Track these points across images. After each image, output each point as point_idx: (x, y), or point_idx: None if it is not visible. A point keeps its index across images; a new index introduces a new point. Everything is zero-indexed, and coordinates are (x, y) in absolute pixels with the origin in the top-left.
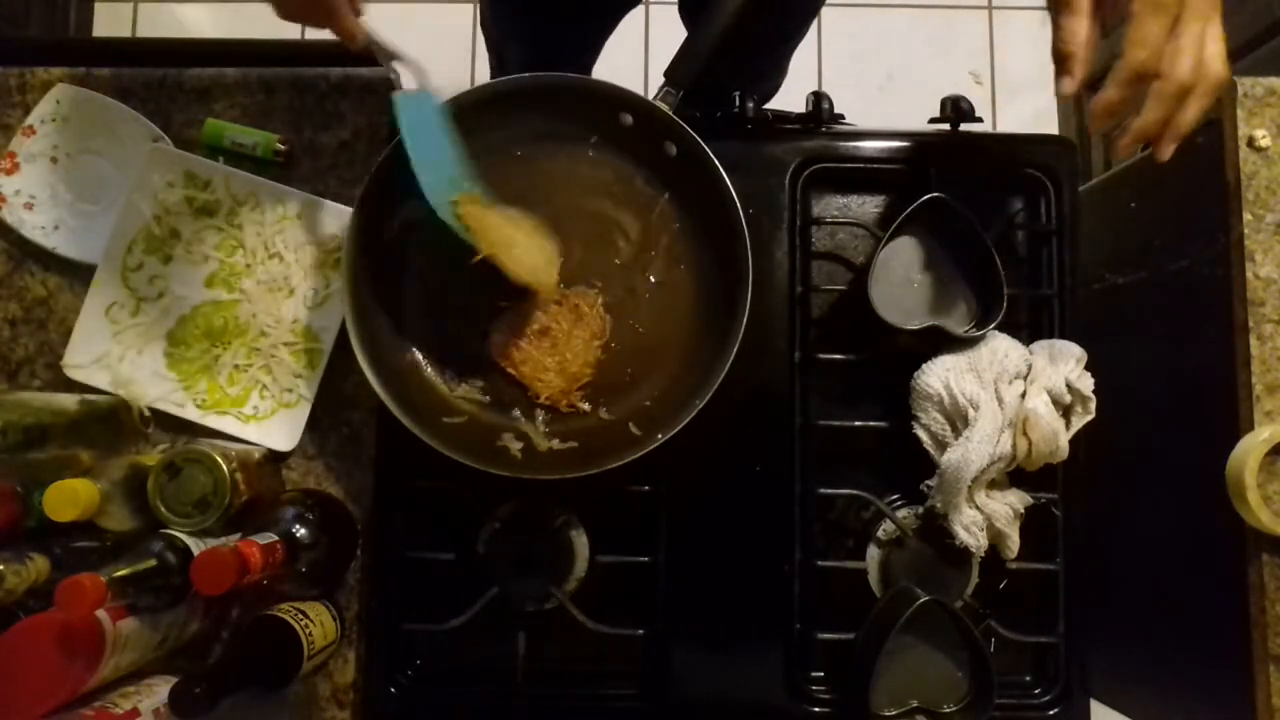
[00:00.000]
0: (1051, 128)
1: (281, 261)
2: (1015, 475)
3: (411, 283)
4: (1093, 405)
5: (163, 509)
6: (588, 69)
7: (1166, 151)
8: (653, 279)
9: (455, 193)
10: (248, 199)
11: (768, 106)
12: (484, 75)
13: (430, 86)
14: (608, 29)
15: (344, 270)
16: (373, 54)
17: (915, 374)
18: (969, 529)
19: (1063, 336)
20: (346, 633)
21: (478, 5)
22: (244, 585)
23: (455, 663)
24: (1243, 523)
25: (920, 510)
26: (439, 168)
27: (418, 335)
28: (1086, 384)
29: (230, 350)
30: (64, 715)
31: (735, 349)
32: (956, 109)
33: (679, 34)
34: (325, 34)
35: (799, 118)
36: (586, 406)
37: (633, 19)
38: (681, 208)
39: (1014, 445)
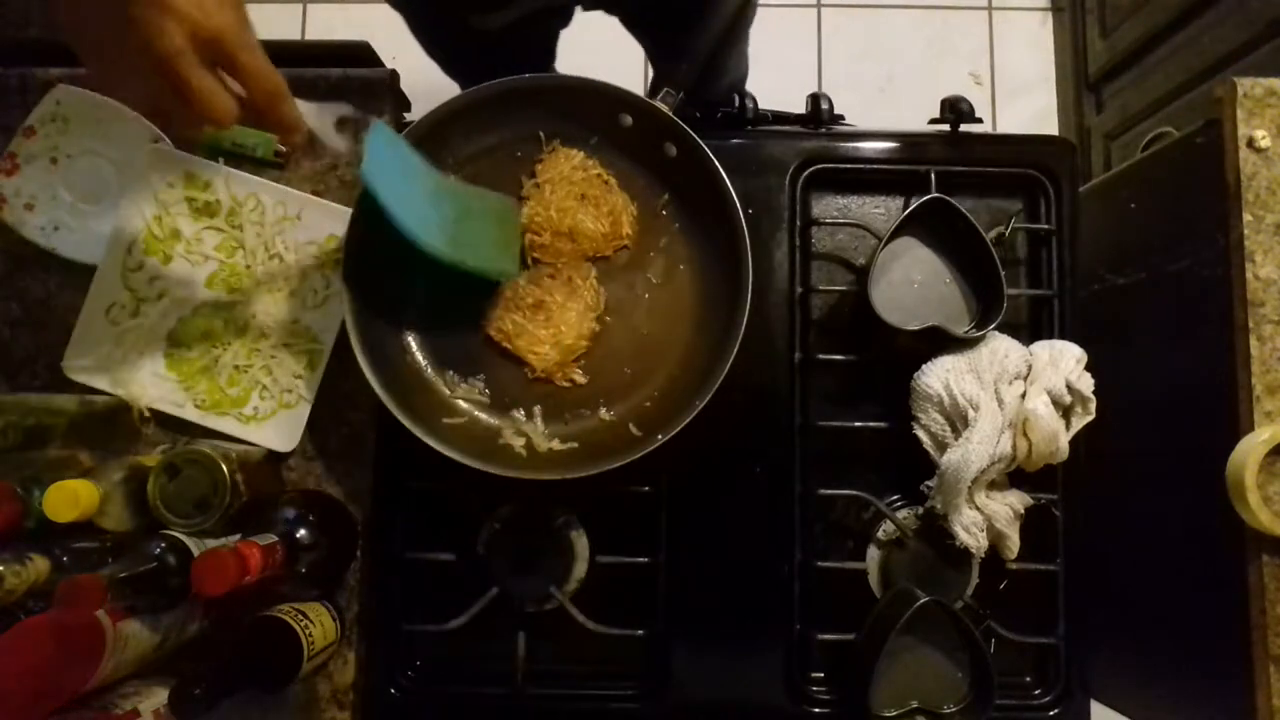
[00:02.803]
0: (1051, 128)
1: (281, 262)
2: (1015, 476)
3: (411, 282)
4: (1093, 405)
5: (163, 510)
6: None
7: None
8: (653, 279)
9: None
10: (248, 199)
11: (767, 107)
12: None
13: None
14: (551, 53)
15: (344, 270)
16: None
17: (915, 375)
18: (969, 529)
19: (1063, 336)
20: (346, 633)
21: None
22: (244, 586)
23: (455, 663)
24: (1243, 523)
25: (920, 511)
26: (416, 206)
27: (418, 335)
28: (1086, 384)
29: (230, 351)
30: (64, 716)
31: (735, 349)
32: (956, 110)
33: None
34: (325, 34)
35: (799, 118)
36: (583, 379)
37: None
38: (681, 208)
39: (1014, 446)
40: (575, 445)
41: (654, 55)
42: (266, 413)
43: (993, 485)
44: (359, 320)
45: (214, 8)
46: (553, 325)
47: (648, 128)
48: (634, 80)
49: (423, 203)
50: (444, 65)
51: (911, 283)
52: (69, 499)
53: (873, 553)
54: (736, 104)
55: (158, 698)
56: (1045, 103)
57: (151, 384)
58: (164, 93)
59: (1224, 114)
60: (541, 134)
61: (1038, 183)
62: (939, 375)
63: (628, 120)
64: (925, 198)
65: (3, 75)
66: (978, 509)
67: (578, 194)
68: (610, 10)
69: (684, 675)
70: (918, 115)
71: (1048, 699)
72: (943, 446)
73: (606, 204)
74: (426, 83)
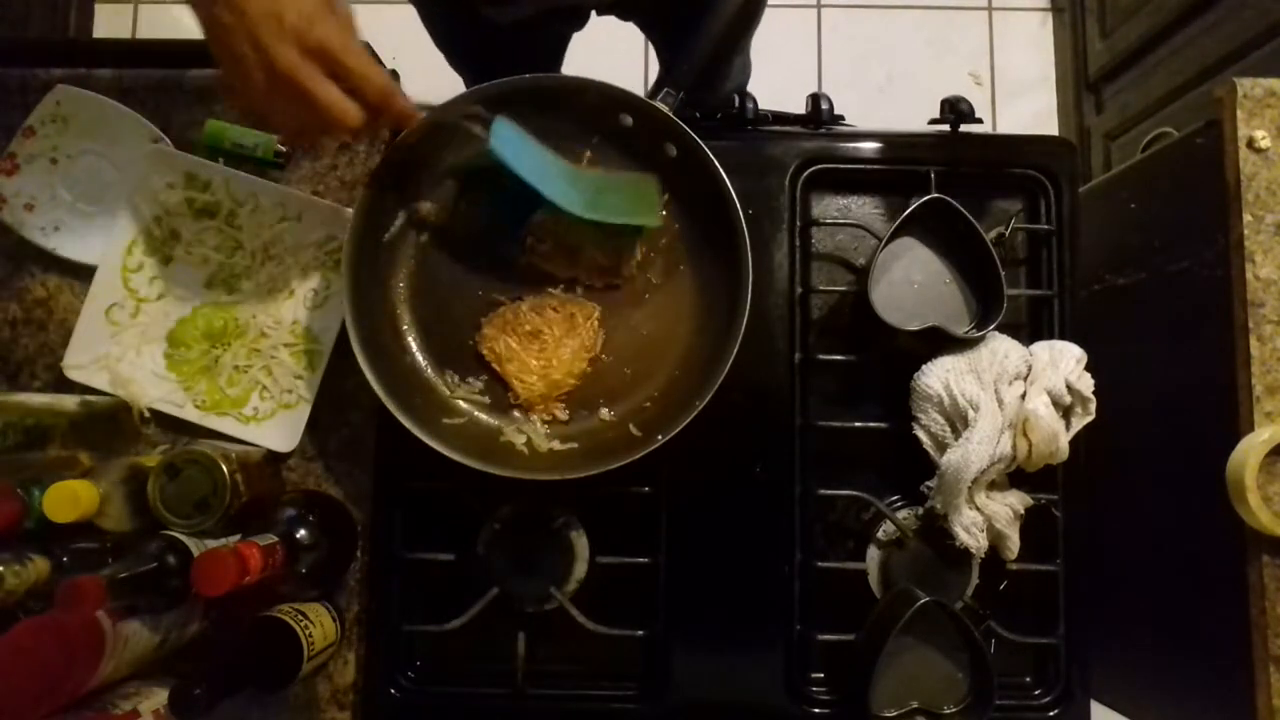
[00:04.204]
0: (1051, 128)
1: (281, 263)
2: (1015, 476)
3: (411, 283)
4: (1093, 406)
5: (163, 510)
6: None
7: None
8: (653, 279)
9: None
10: (248, 200)
11: (767, 107)
12: None
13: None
14: (559, 55)
15: (344, 271)
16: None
17: (915, 375)
18: (969, 530)
19: (1063, 336)
20: (346, 634)
21: None
22: (244, 586)
23: (455, 663)
24: (1243, 524)
25: (920, 511)
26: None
27: (418, 336)
28: (1086, 384)
29: (230, 351)
30: (64, 716)
31: (735, 349)
32: (956, 110)
33: None
34: None
35: (799, 118)
36: (564, 415)
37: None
38: (681, 208)
39: (1014, 446)
40: (575, 445)
41: (667, 60)
42: (266, 413)
43: (993, 485)
44: (359, 321)
45: (318, 17)
46: (545, 358)
47: (648, 128)
48: (634, 80)
49: (557, 179)
50: (451, 58)
51: (911, 283)
52: (69, 499)
53: (873, 553)
54: (736, 104)
55: (158, 698)
56: (1045, 103)
57: (151, 384)
58: (298, 108)
59: (1224, 114)
60: (541, 134)
61: (1038, 183)
62: (939, 375)
63: (628, 120)
64: (925, 198)
65: (3, 75)
66: (978, 509)
67: None
68: (625, 15)
69: (684, 675)
70: (918, 115)
71: (1048, 699)
72: (943, 447)
73: None
74: (427, 83)
